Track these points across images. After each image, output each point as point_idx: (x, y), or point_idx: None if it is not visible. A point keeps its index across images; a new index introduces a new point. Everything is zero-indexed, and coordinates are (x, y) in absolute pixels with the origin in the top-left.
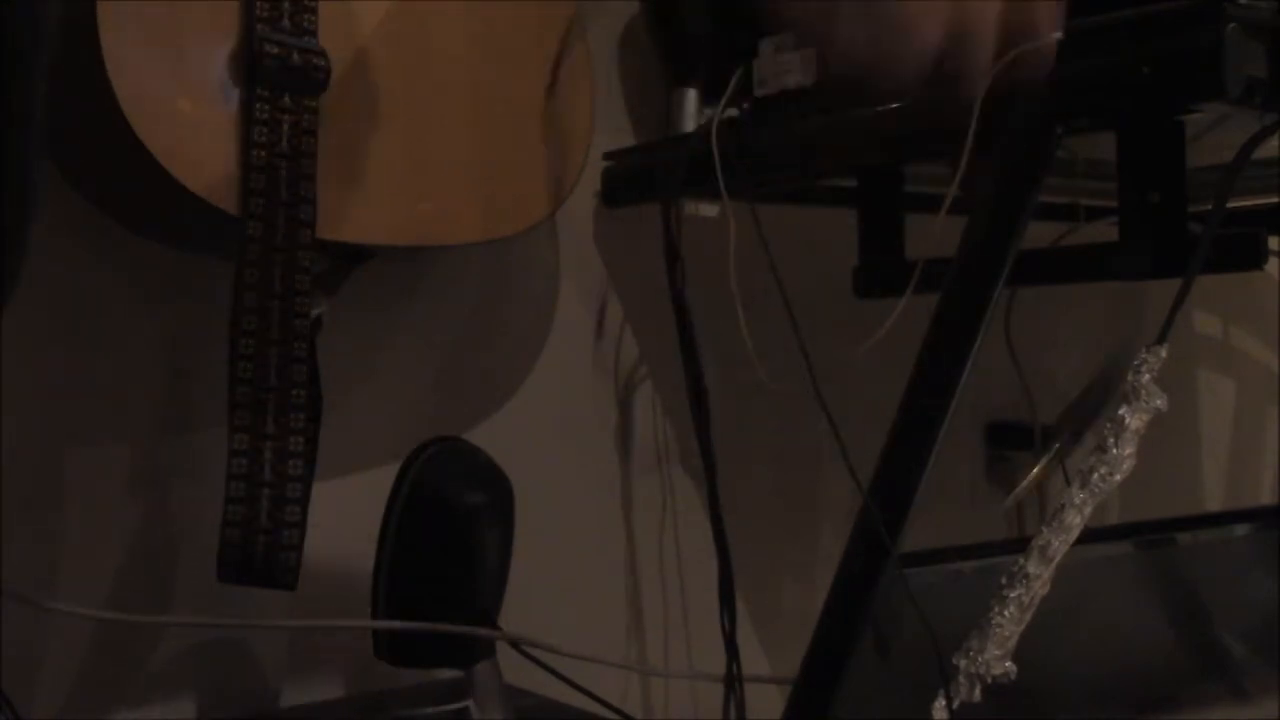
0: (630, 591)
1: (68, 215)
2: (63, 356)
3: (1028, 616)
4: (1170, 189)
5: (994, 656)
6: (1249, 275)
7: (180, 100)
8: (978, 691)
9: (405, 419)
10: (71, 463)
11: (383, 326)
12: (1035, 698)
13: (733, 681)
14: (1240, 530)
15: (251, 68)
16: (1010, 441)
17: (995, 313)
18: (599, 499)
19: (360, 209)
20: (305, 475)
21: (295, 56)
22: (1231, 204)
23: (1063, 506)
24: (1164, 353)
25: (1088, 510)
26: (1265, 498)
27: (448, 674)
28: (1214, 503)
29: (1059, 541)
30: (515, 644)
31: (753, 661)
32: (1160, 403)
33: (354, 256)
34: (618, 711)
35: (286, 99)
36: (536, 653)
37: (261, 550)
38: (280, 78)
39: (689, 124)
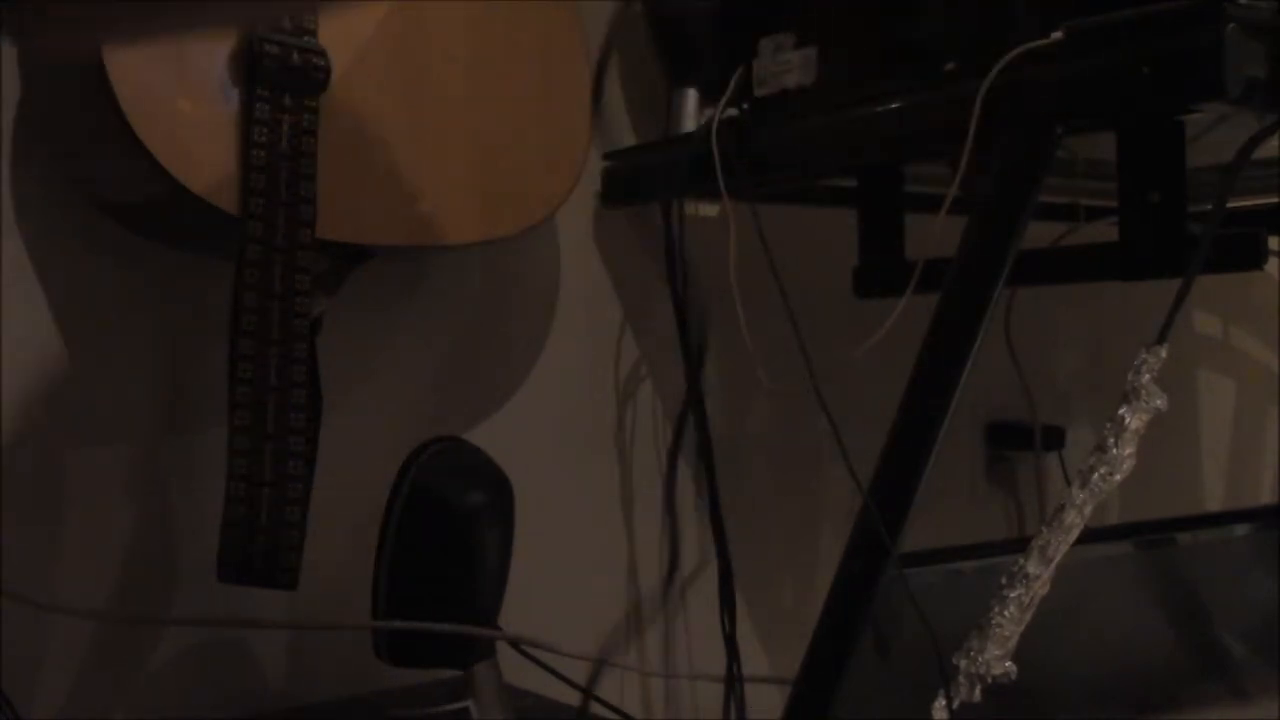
0: (630, 591)
1: (68, 215)
2: (63, 356)
3: (1028, 616)
4: (1170, 189)
5: (994, 656)
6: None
7: (180, 100)
8: (978, 691)
9: (405, 419)
10: (71, 463)
11: (383, 326)
12: (1035, 698)
13: (733, 681)
14: (1240, 530)
15: (251, 67)
16: (1010, 441)
17: (995, 313)
18: (599, 499)
19: (360, 209)
20: (305, 475)
21: (295, 56)
22: (1231, 204)
23: (1063, 506)
24: (1164, 353)
25: (1088, 510)
26: (1265, 498)
27: (448, 674)
28: (1214, 503)
29: (1059, 541)
30: (515, 644)
31: (753, 661)
32: (1160, 403)
33: (354, 256)
34: (618, 711)
35: (286, 99)
36: (536, 653)
37: (261, 550)
38: (280, 78)
39: (689, 124)
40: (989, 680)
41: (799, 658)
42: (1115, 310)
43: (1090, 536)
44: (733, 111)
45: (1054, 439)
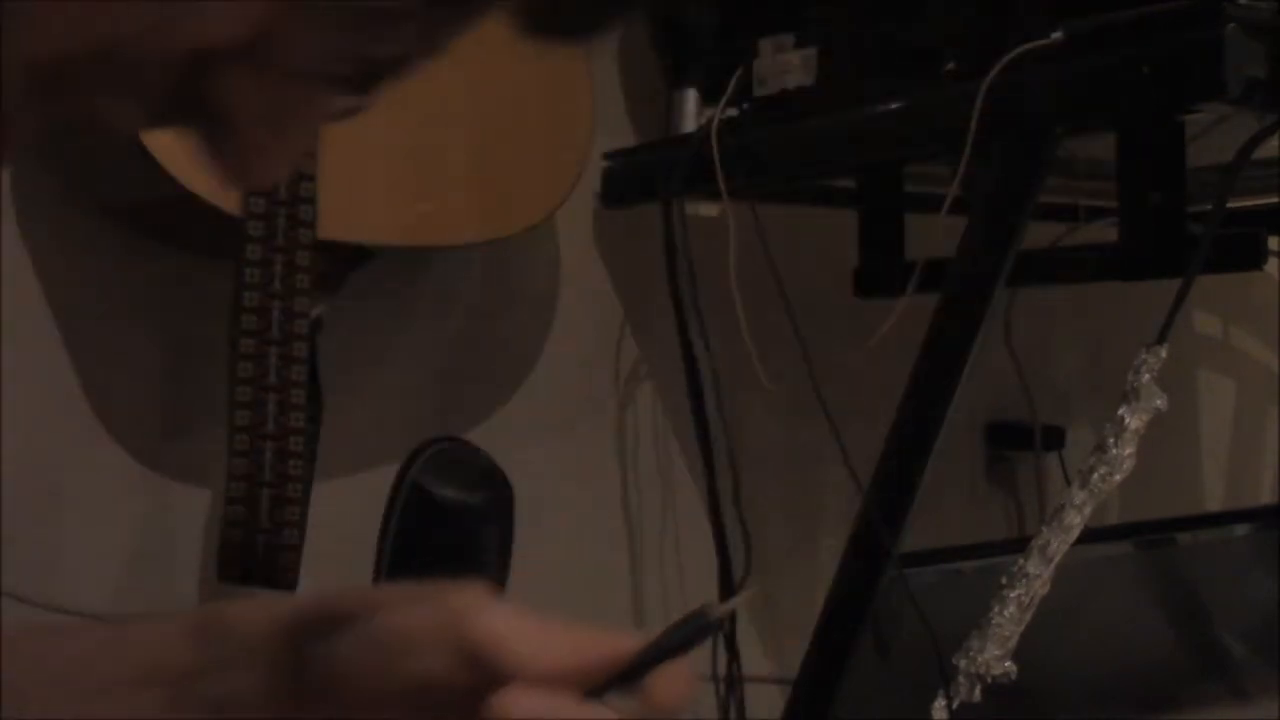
0: (630, 591)
1: (68, 215)
2: (63, 358)
3: (1028, 616)
4: (1170, 189)
5: (994, 656)
6: (1249, 275)
7: None
8: (978, 691)
9: (405, 419)
10: (71, 463)
11: (383, 326)
12: (1035, 698)
13: (733, 681)
14: (1240, 530)
15: None
16: (1010, 441)
17: (995, 313)
18: (599, 499)
19: (360, 209)
20: (305, 475)
21: None
22: (1231, 204)
23: (1063, 506)
24: (1164, 353)
25: (1088, 510)
26: (1265, 498)
27: None
28: (1214, 503)
29: (1059, 541)
30: None
31: (753, 661)
32: (1160, 403)
33: (354, 256)
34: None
35: None
36: None
37: (262, 550)
38: None
39: (689, 124)
40: (989, 680)
41: (799, 658)
42: (1115, 310)
43: (1090, 536)
44: (733, 111)
45: (1054, 439)
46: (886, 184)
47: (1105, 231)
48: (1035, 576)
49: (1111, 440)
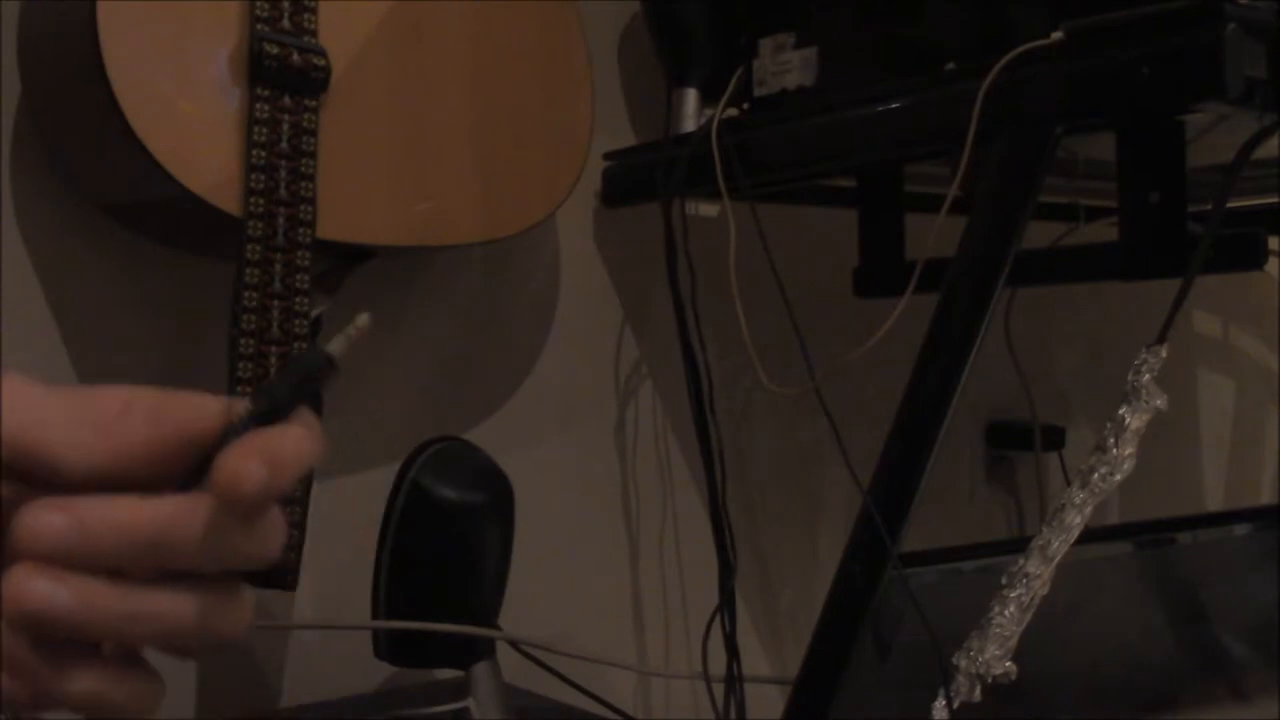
0: (630, 591)
1: (68, 215)
2: (63, 356)
3: (1028, 616)
4: (1170, 189)
5: (994, 656)
6: (1249, 275)
7: (180, 100)
8: (978, 691)
9: (405, 419)
10: None
11: (382, 327)
12: (1035, 698)
13: (733, 681)
14: (1240, 530)
15: (252, 67)
16: (1010, 441)
17: (995, 313)
18: (599, 499)
19: (360, 209)
20: (305, 476)
21: (295, 56)
22: (1231, 204)
23: (1063, 506)
24: (1164, 352)
25: (1088, 510)
26: (1265, 498)
27: (448, 674)
28: (1214, 503)
29: (1059, 541)
30: (515, 644)
31: (753, 661)
32: (1160, 403)
33: (354, 256)
34: (618, 711)
35: (286, 99)
36: (536, 653)
37: None
38: (280, 78)
39: (689, 124)
40: (989, 680)
41: (799, 658)
42: (1115, 310)
43: (1090, 536)
44: (733, 111)
45: (1054, 439)
46: (886, 184)
47: (1105, 231)
48: (1035, 576)
49: (1111, 440)
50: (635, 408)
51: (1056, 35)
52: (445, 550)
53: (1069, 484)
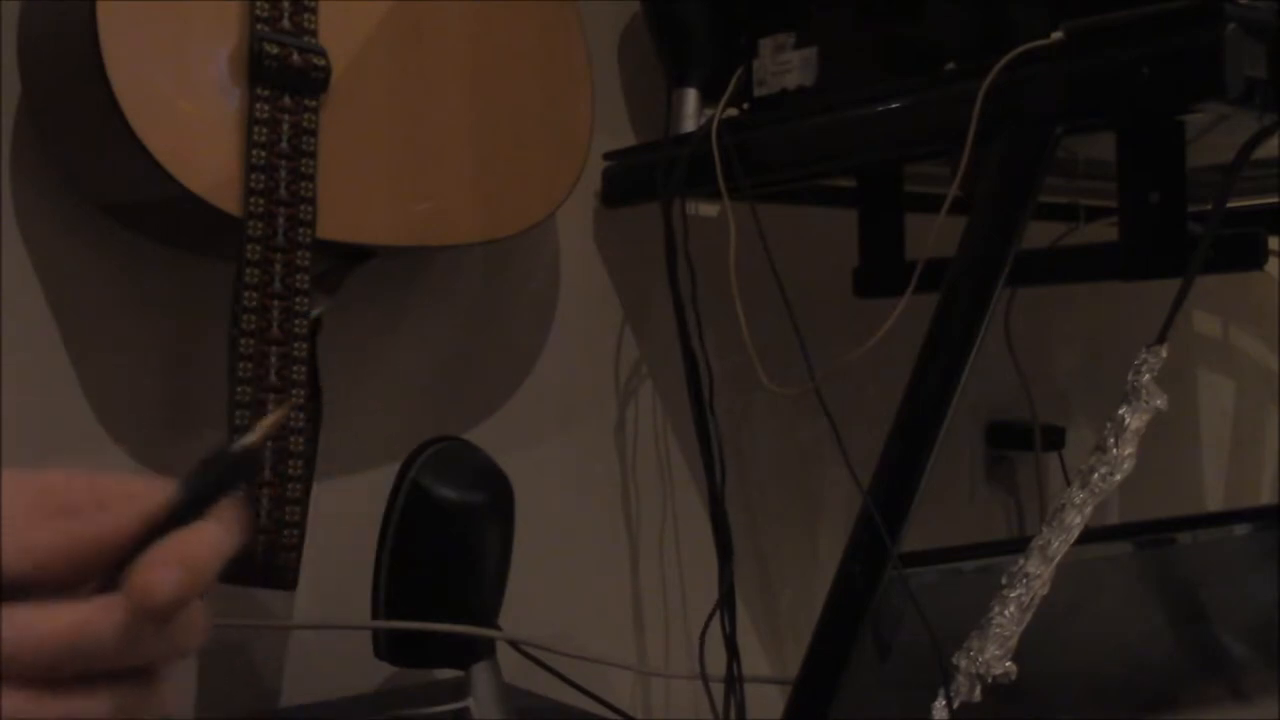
0: (630, 591)
1: (68, 215)
2: (63, 357)
3: (1028, 616)
4: (1170, 189)
5: (994, 656)
6: (1249, 275)
7: (180, 100)
8: (978, 691)
9: (405, 419)
10: (71, 463)
11: (382, 327)
12: (1035, 698)
13: (733, 681)
14: (1240, 530)
15: (252, 67)
16: (1010, 441)
17: (995, 313)
18: (599, 499)
19: (360, 209)
20: (305, 475)
21: (295, 56)
22: (1231, 204)
23: (1063, 506)
24: (1164, 352)
25: (1088, 510)
26: (1265, 498)
27: (448, 674)
28: (1214, 503)
29: (1059, 541)
30: (515, 644)
31: (753, 661)
32: (1160, 403)
33: (354, 256)
34: (617, 711)
35: (286, 99)
36: (536, 653)
37: (261, 550)
38: (280, 78)
39: (689, 124)
40: (989, 680)
41: (799, 658)
42: (1115, 310)
43: (1090, 536)
44: (733, 111)
45: (1054, 439)
46: (886, 184)
47: (1105, 231)
48: (1035, 576)
49: (1111, 440)
50: (635, 408)
51: (1056, 35)
52: (445, 550)
53: (1069, 484)
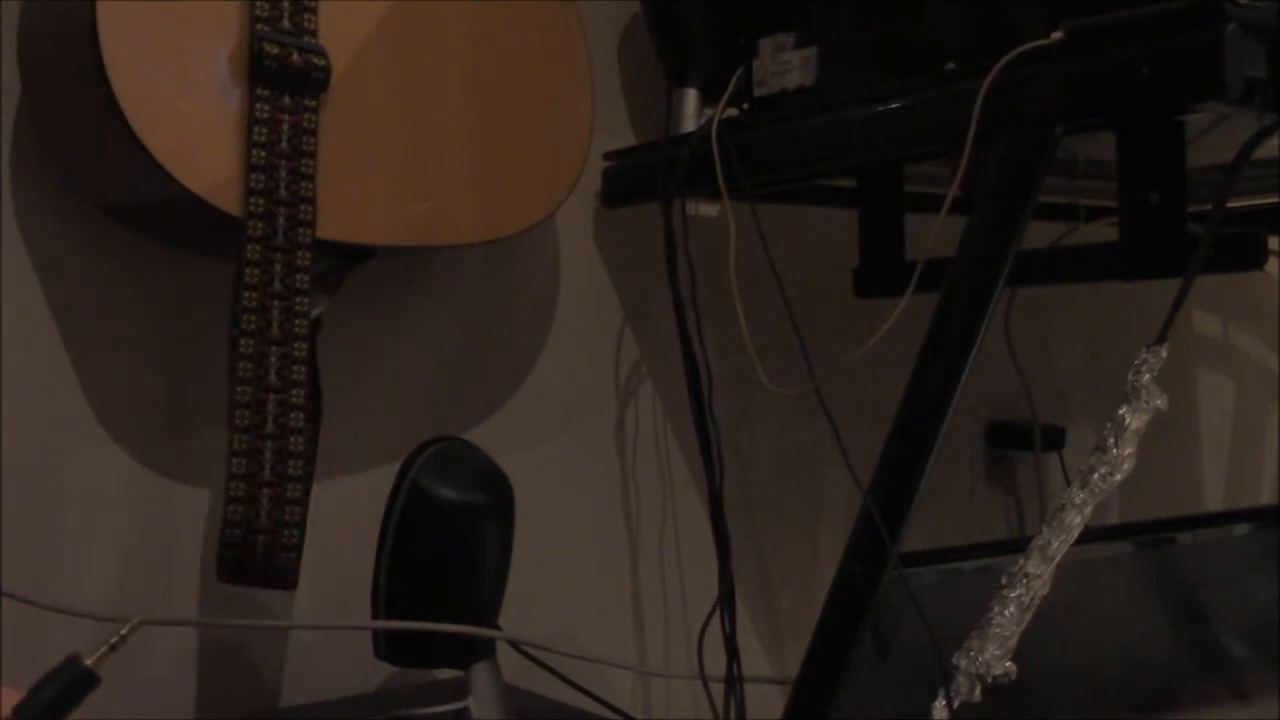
0: (630, 591)
1: (68, 215)
2: (63, 356)
3: (1028, 616)
4: (1170, 189)
5: (994, 656)
6: (1249, 275)
7: (180, 100)
8: (978, 691)
9: (405, 419)
10: (71, 463)
11: (382, 327)
12: (1035, 698)
13: (733, 681)
14: (1240, 530)
15: (252, 67)
16: (1010, 441)
17: (995, 313)
18: (599, 499)
19: (360, 209)
20: (305, 475)
21: (295, 56)
22: (1231, 204)
23: (1063, 506)
24: (1164, 352)
25: (1088, 510)
26: (1265, 498)
27: (448, 674)
28: (1214, 503)
29: (1059, 541)
30: (515, 644)
31: (753, 661)
32: (1160, 403)
33: (354, 256)
34: (617, 711)
35: (286, 99)
36: (536, 653)
37: (261, 550)
38: (280, 78)
39: (689, 124)
40: (989, 680)
41: (799, 658)
42: (1115, 310)
43: (1090, 536)
44: (733, 111)
45: (1054, 439)
46: (886, 184)
47: (1105, 231)
48: (1035, 576)
49: (1111, 440)
50: (635, 408)
51: (1056, 35)
52: (445, 550)
53: (1069, 484)
